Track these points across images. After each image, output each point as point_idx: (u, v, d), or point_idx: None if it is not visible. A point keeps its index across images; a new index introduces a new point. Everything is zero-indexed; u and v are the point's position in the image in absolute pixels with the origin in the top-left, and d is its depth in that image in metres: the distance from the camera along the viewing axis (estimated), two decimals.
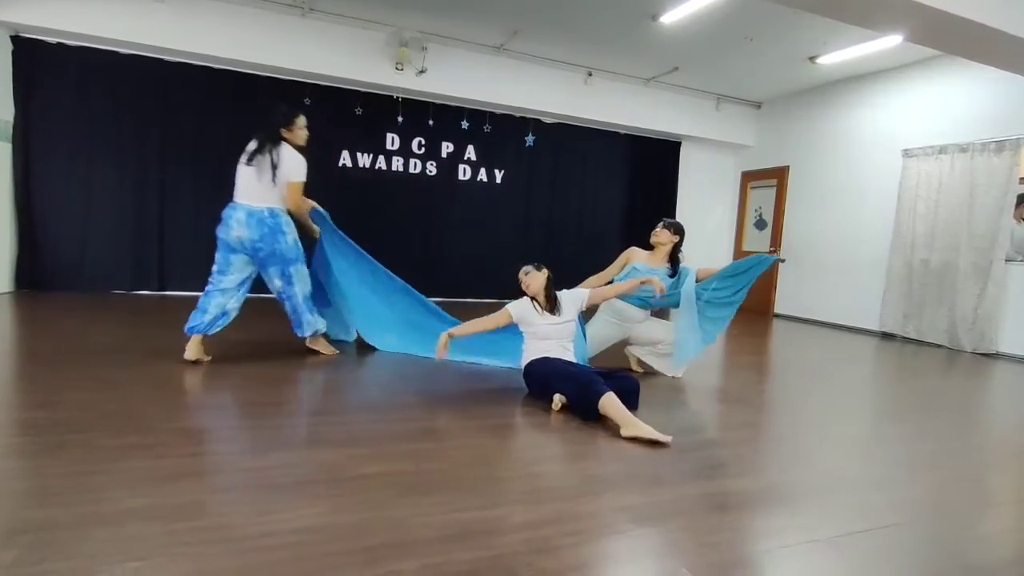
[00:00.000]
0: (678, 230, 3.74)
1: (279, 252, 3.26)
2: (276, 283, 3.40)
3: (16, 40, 5.44)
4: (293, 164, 3.23)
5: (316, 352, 3.69)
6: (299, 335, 3.61)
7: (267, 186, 3.22)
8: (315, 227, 3.65)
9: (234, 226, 3.20)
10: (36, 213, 5.63)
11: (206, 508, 1.64)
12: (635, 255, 3.83)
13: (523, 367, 3.03)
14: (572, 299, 3.18)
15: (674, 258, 3.71)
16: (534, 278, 3.09)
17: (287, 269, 3.33)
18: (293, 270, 3.35)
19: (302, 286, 3.43)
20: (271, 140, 3.25)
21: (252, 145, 3.27)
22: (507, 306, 3.08)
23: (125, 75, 5.80)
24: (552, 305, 3.07)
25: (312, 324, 3.55)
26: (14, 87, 5.46)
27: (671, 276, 3.65)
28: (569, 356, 3.05)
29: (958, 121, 5.94)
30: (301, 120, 3.35)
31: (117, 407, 2.44)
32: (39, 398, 2.54)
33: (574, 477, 2.06)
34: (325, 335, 3.73)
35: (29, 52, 5.48)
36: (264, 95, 6.00)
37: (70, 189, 5.73)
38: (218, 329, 3.28)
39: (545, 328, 3.02)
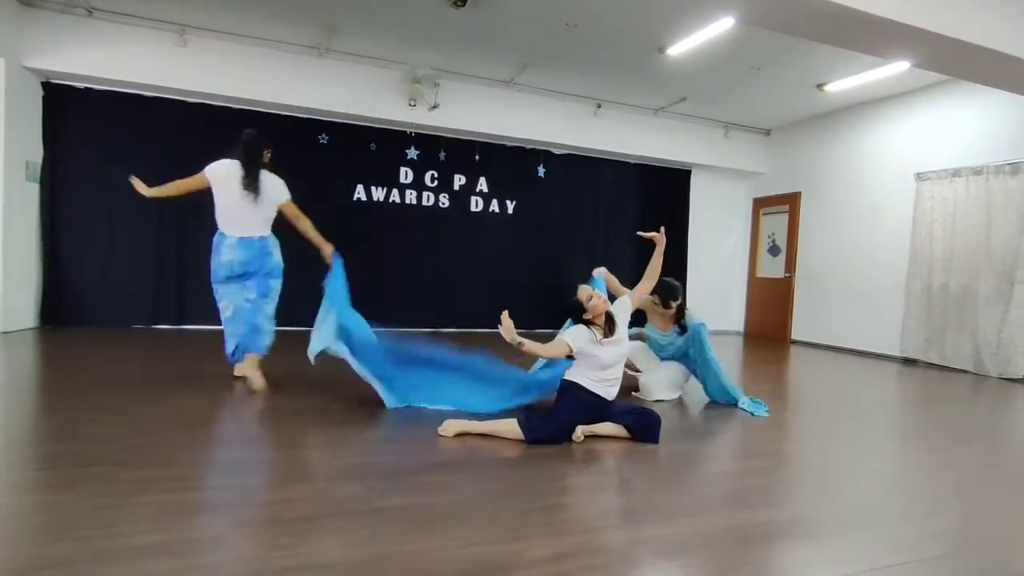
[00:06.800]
0: (671, 294, 3.80)
1: (267, 268, 3.34)
2: (250, 295, 3.40)
3: (47, 86, 5.67)
4: (279, 186, 3.36)
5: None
6: (256, 353, 3.39)
7: (259, 214, 3.33)
8: (327, 245, 3.45)
9: (224, 251, 3.33)
10: (60, 250, 5.78)
11: (224, 543, 1.63)
12: (651, 314, 4.00)
13: (566, 378, 2.81)
14: (622, 312, 2.88)
15: (679, 321, 3.91)
16: (599, 299, 2.75)
17: (269, 282, 3.38)
18: (274, 283, 3.39)
19: (275, 302, 3.42)
20: (257, 168, 3.37)
21: (240, 173, 3.36)
22: (565, 337, 2.75)
23: (148, 116, 5.99)
24: (611, 327, 2.76)
25: (270, 338, 3.43)
26: (43, 131, 5.67)
27: (680, 335, 3.89)
28: (615, 390, 2.81)
29: (971, 144, 5.92)
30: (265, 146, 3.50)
31: (136, 440, 2.45)
32: (59, 431, 2.56)
33: (593, 509, 2.02)
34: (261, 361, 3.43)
35: (59, 97, 5.70)
36: (282, 133, 6.17)
37: (93, 227, 5.87)
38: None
39: (608, 356, 2.73)
